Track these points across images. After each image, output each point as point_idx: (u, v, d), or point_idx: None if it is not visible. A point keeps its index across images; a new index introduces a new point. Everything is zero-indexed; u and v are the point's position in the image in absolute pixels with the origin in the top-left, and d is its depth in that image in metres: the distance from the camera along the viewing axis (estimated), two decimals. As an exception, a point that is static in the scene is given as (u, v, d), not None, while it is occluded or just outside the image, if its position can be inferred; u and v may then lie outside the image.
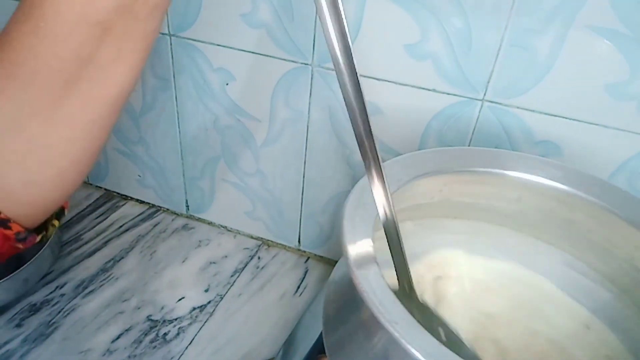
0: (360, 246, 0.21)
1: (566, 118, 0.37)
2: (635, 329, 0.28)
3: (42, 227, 0.29)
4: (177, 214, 0.58)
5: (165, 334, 0.45)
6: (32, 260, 0.45)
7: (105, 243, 0.54)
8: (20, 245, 0.27)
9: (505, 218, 0.32)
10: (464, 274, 0.33)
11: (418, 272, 0.31)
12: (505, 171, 0.30)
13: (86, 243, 0.53)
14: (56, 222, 0.30)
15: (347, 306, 0.22)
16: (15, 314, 0.45)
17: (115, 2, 0.22)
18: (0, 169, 0.25)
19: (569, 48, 0.34)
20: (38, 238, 0.29)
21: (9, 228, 0.26)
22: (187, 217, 0.58)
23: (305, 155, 0.48)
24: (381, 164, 0.23)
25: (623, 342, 0.29)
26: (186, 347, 0.44)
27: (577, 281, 0.31)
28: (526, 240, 0.32)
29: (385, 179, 0.22)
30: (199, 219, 0.57)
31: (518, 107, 0.37)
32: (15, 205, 0.26)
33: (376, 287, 0.19)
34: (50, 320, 0.45)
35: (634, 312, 0.28)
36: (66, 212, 0.31)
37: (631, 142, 0.36)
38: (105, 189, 0.61)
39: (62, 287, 0.48)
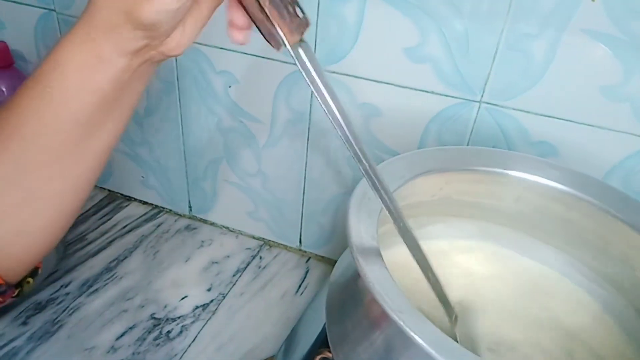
0: (365, 238, 0.22)
1: (562, 119, 0.37)
2: (629, 326, 0.29)
3: (19, 284, 0.31)
4: (180, 215, 0.59)
5: (168, 332, 0.45)
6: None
7: (110, 243, 0.54)
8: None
9: (504, 217, 0.33)
10: (466, 266, 0.33)
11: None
12: (505, 170, 0.30)
13: (90, 243, 0.54)
14: (30, 280, 0.32)
15: (350, 298, 0.23)
16: (21, 312, 0.46)
17: (114, 76, 0.25)
18: None
19: (563, 51, 0.35)
20: (15, 292, 0.30)
21: None
22: (190, 217, 0.59)
23: (307, 156, 0.49)
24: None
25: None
26: (189, 345, 0.44)
27: (574, 279, 0.32)
28: (524, 239, 0.33)
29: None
30: (201, 220, 0.58)
31: (515, 109, 0.38)
32: (3, 258, 0.28)
33: (381, 278, 0.20)
34: (56, 319, 0.45)
35: (628, 311, 0.29)
36: (40, 271, 0.33)
37: (625, 142, 0.37)
38: (109, 190, 0.62)
39: (67, 286, 0.49)
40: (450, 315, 0.28)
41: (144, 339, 0.44)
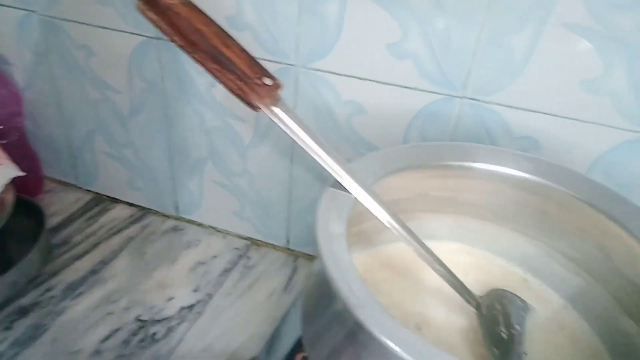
0: (333, 236, 0.22)
1: (543, 113, 0.37)
2: (606, 314, 0.29)
3: None
4: (167, 216, 0.58)
5: (154, 333, 0.45)
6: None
7: (95, 246, 0.54)
8: None
9: (482, 211, 0.33)
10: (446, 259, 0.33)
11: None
12: (480, 165, 0.30)
13: (76, 246, 0.54)
14: None
15: (323, 298, 0.23)
16: (5, 317, 0.45)
17: None
18: None
19: (544, 45, 0.35)
20: None
21: None
22: (176, 218, 0.58)
23: (292, 154, 0.48)
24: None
25: (594, 327, 0.29)
26: (175, 347, 0.44)
27: (553, 270, 0.32)
28: (504, 232, 0.33)
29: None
30: (188, 221, 0.58)
31: (497, 104, 0.38)
32: None
33: (347, 275, 0.20)
34: (40, 323, 0.45)
35: (604, 298, 0.29)
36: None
37: (607, 135, 0.37)
38: (95, 193, 0.61)
39: (51, 289, 0.48)
40: (472, 303, 0.29)
41: (129, 342, 0.44)
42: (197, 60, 0.25)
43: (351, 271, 0.20)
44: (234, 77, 0.25)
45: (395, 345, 0.18)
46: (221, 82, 0.25)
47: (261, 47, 0.43)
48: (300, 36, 0.42)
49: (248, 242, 0.56)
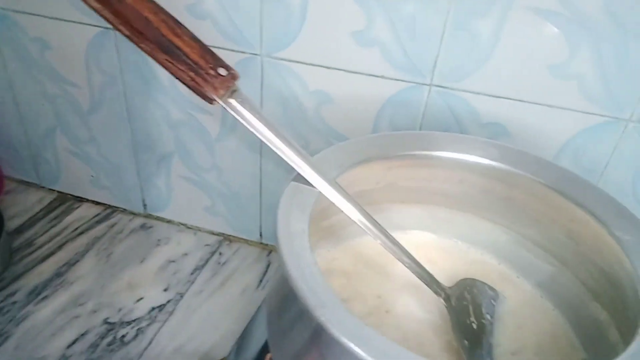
0: (295, 233, 0.21)
1: (511, 99, 0.37)
2: (575, 300, 0.29)
3: None
4: (135, 214, 0.57)
5: (123, 336, 0.44)
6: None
7: (60, 247, 0.52)
8: None
9: (451, 200, 0.32)
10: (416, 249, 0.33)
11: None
12: (447, 153, 0.30)
13: (39, 248, 0.52)
14: None
15: (286, 297, 0.22)
16: (-36, 326, 0.43)
17: None
18: None
19: (510, 30, 0.35)
20: None
21: None
22: (145, 216, 0.56)
23: (261, 147, 0.47)
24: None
25: (564, 314, 0.29)
26: (145, 348, 0.43)
27: (522, 257, 0.32)
28: (474, 221, 0.33)
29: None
30: (157, 218, 0.56)
31: (464, 90, 0.38)
32: None
33: (308, 274, 0.19)
34: (1, 330, 0.43)
35: (574, 284, 0.29)
36: None
37: (574, 120, 0.37)
38: (59, 192, 0.59)
39: (13, 294, 0.46)
40: (441, 295, 0.28)
41: (97, 345, 0.43)
42: (146, 51, 0.23)
43: (313, 270, 0.20)
44: (186, 68, 0.23)
45: (357, 346, 0.17)
46: (172, 73, 0.24)
47: (223, 36, 0.41)
48: (263, 24, 0.40)
49: (220, 237, 0.55)
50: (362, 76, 0.40)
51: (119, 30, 0.23)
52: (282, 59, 0.41)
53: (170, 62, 0.23)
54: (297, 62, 0.41)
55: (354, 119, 0.42)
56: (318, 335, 0.19)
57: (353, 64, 0.40)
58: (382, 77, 0.39)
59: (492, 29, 0.35)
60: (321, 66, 0.41)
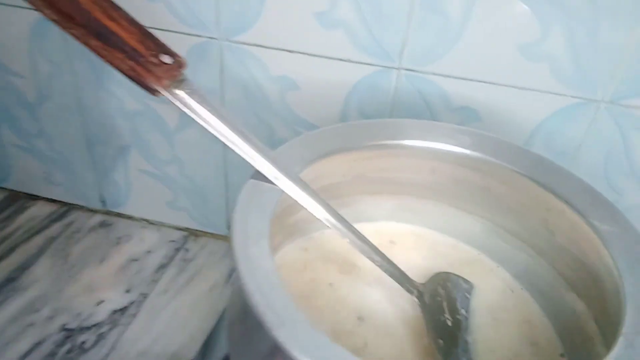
0: (252, 239, 0.19)
1: (482, 82, 0.36)
2: (552, 291, 0.28)
3: None
4: (93, 211, 0.53)
5: (82, 342, 0.41)
6: None
7: (11, 250, 0.49)
8: None
9: (424, 190, 0.31)
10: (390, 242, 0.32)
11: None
12: (416, 142, 0.28)
13: (-12, 252, 0.48)
14: None
15: (244, 309, 0.20)
16: None
17: None
18: None
19: (480, 9, 0.33)
20: None
21: None
22: (103, 213, 0.53)
23: (224, 137, 0.45)
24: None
25: (541, 305, 0.29)
26: (107, 354, 0.40)
27: (500, 247, 0.31)
28: (447, 211, 0.31)
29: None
30: (117, 214, 0.53)
31: (434, 74, 0.36)
32: None
33: (267, 286, 0.17)
34: (-52, 343, 0.40)
35: (550, 275, 0.28)
36: None
37: (545, 102, 0.36)
38: (10, 190, 0.55)
39: (-40, 303, 0.43)
40: (413, 292, 0.27)
41: (55, 354, 0.40)
42: (76, 37, 0.20)
43: (272, 281, 0.18)
44: (123, 56, 0.21)
45: None
46: (109, 62, 0.21)
47: (177, 19, 0.38)
48: (220, 6, 0.37)
49: (185, 233, 0.52)
50: (328, 60, 0.38)
51: (45, 14, 0.20)
52: (242, 43, 0.39)
53: (104, 49, 0.20)
54: (259, 45, 0.39)
55: (321, 105, 0.40)
56: (278, 351, 0.17)
57: (317, 47, 0.37)
58: (349, 60, 0.37)
59: (461, 8, 0.33)
60: (284, 50, 0.38)
